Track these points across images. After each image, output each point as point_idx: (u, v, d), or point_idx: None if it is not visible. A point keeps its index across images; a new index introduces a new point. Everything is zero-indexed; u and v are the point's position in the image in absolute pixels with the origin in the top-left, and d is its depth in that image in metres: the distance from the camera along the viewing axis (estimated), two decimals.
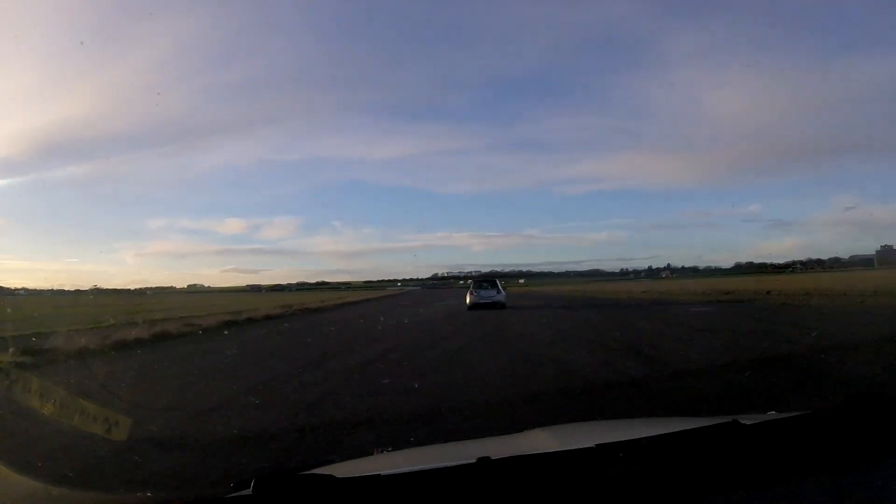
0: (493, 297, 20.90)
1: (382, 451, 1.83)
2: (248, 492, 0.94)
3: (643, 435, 1.00)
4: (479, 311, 19.04)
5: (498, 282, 23.28)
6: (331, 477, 0.94)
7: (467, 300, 21.69)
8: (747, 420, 1.06)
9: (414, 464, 1.20)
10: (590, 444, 0.99)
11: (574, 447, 1.02)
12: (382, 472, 0.98)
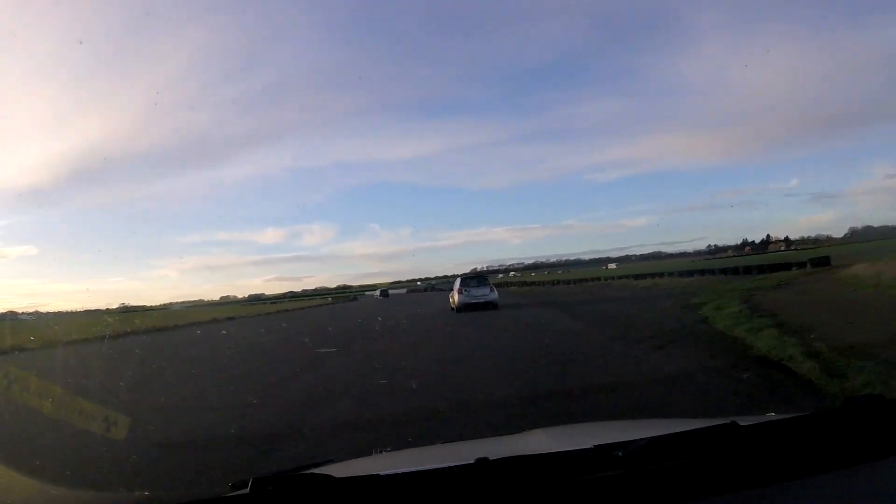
0: (485, 295, 18.16)
1: (381, 452, 1.83)
2: (246, 492, 0.94)
3: (641, 436, 1.00)
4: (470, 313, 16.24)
5: (489, 278, 20.26)
6: (329, 477, 0.94)
7: (454, 301, 18.71)
8: (746, 421, 1.06)
9: (412, 464, 1.20)
10: (588, 445, 0.99)
11: (572, 448, 1.02)
12: (381, 472, 0.98)
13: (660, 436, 1.01)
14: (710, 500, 0.90)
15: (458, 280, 19.50)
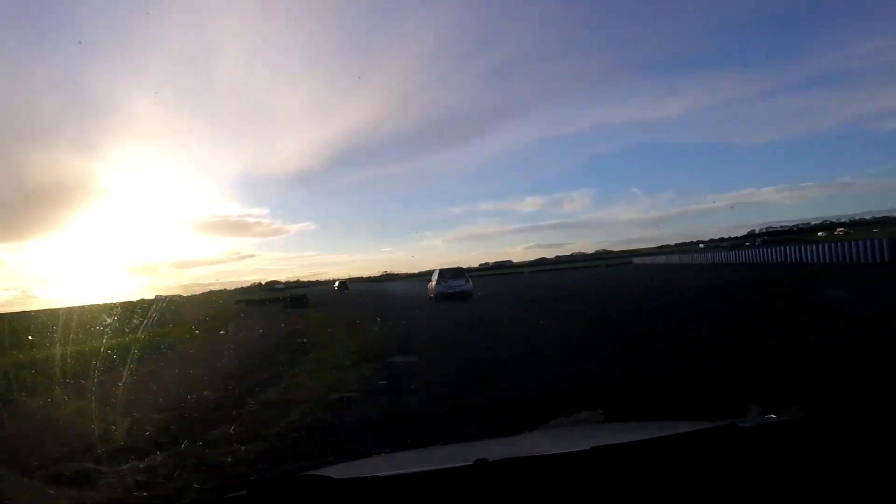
0: (461, 286, 19.91)
1: (380, 453, 1.82)
2: (244, 493, 0.94)
3: (640, 438, 1.00)
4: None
5: (464, 270, 21.62)
6: (328, 478, 0.94)
7: (431, 290, 20.71)
8: (745, 423, 1.06)
9: (411, 465, 1.20)
10: (586, 446, 0.99)
11: (570, 450, 1.03)
12: (380, 474, 0.98)
13: (659, 437, 1.01)
14: (710, 502, 0.90)
15: (436, 272, 21.13)
